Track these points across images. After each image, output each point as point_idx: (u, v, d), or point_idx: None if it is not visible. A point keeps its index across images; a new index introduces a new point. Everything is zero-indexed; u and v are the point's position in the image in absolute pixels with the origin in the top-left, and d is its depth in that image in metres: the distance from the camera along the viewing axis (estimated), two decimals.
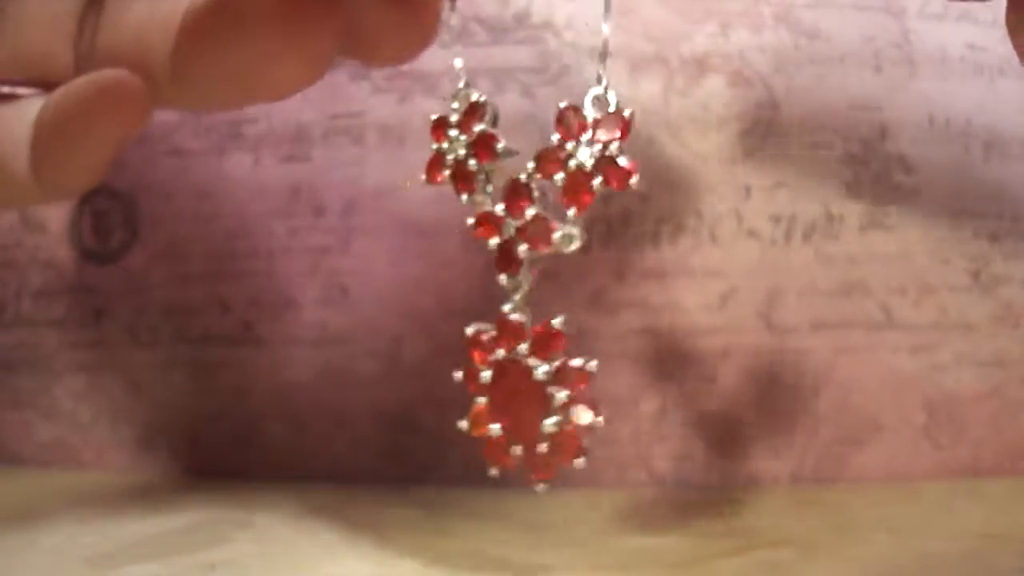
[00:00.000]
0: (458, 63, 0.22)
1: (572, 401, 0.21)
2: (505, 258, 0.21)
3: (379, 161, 0.29)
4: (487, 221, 0.21)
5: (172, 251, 0.31)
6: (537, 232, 0.21)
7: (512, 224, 0.21)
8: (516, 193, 0.21)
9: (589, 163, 0.20)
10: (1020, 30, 0.19)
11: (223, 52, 0.21)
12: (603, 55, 0.21)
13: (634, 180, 0.20)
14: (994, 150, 0.29)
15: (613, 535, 0.25)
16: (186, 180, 0.31)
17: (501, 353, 0.21)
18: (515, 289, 0.21)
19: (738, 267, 0.28)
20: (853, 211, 0.29)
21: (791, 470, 0.29)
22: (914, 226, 0.29)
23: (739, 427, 0.29)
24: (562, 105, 0.21)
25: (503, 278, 0.21)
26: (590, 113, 0.21)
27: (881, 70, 0.29)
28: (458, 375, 0.22)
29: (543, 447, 0.21)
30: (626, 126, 0.20)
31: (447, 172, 0.22)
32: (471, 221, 0.21)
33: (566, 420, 0.21)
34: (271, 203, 0.30)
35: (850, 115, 0.29)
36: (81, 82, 0.21)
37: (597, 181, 0.20)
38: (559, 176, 0.20)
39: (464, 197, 0.21)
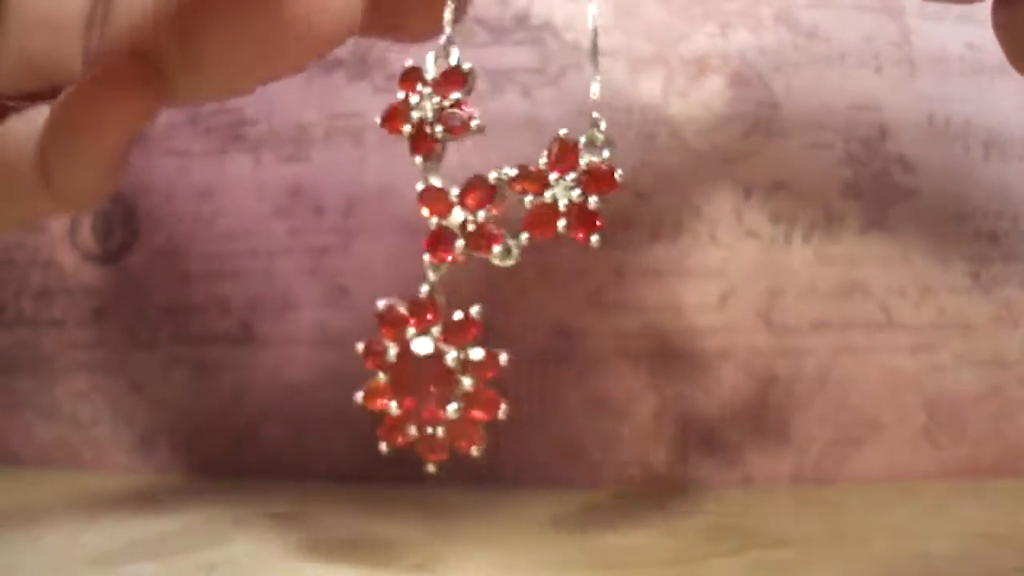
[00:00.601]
0: (448, 14, 0.21)
1: (477, 391, 0.20)
2: (436, 241, 0.21)
3: (379, 161, 0.29)
4: (432, 198, 0.21)
5: (172, 251, 0.31)
6: (481, 234, 0.20)
7: (463, 214, 0.21)
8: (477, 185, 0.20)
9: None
10: (1009, 26, 0.19)
11: (232, 23, 0.20)
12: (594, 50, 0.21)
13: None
14: (994, 150, 0.29)
15: (612, 535, 0.25)
16: (186, 180, 0.31)
17: (411, 332, 0.21)
18: (435, 270, 0.21)
19: (738, 267, 0.28)
20: (853, 211, 0.29)
21: (791, 470, 0.29)
22: (914, 226, 0.29)
23: (738, 427, 0.29)
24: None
25: (426, 258, 0.21)
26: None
27: (881, 70, 0.29)
28: (359, 346, 0.21)
29: (439, 431, 0.21)
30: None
31: (407, 128, 0.21)
32: (419, 188, 0.21)
33: (468, 408, 0.20)
34: (271, 203, 0.30)
35: (850, 115, 0.29)
36: (89, 76, 0.21)
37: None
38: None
39: (418, 160, 0.21)
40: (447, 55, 0.21)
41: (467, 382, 0.20)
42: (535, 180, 0.20)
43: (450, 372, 0.21)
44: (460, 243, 0.20)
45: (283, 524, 0.25)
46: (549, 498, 0.28)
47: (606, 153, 0.20)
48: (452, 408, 0.21)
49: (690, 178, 0.29)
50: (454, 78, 0.21)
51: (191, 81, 0.21)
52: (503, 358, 0.20)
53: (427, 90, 0.21)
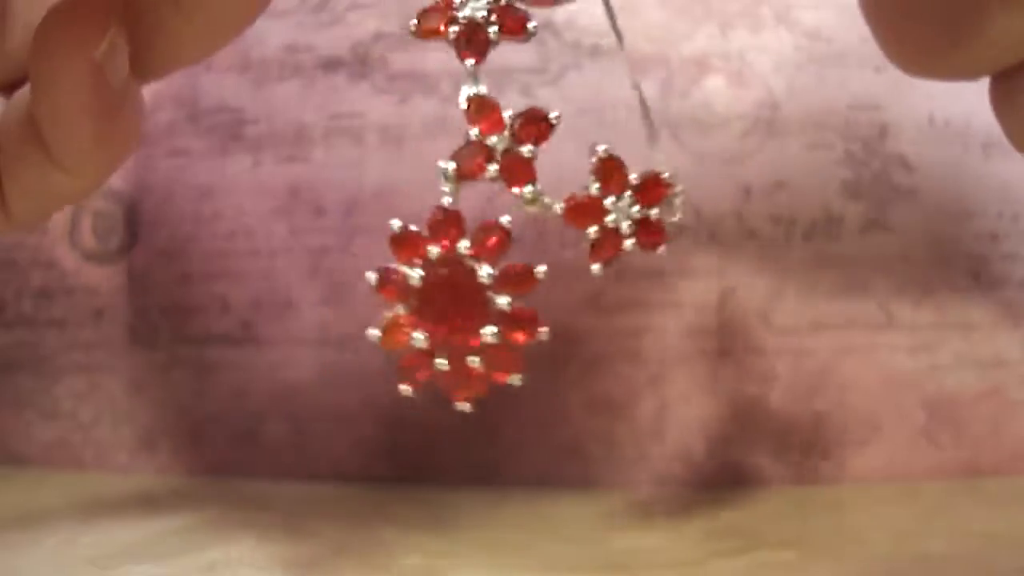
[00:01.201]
0: None
1: (515, 310, 0.18)
2: (472, 155, 0.19)
3: (379, 161, 0.29)
4: (483, 108, 0.19)
5: (172, 251, 0.31)
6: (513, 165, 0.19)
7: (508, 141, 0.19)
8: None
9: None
10: (1007, 105, 0.19)
11: None
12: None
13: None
14: (994, 150, 0.29)
15: (612, 535, 0.25)
16: (186, 180, 0.31)
17: (435, 251, 0.18)
18: (455, 185, 0.19)
19: (738, 267, 0.28)
20: (853, 211, 0.29)
21: (791, 470, 0.29)
22: (914, 226, 0.29)
23: (739, 427, 0.29)
24: None
25: (450, 167, 0.19)
26: None
27: (881, 70, 0.29)
28: (371, 276, 0.19)
29: (475, 360, 0.19)
30: None
31: (453, 29, 0.19)
32: (466, 96, 0.19)
33: (506, 331, 0.18)
34: (271, 203, 0.30)
35: (850, 115, 0.29)
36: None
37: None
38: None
39: (469, 63, 0.19)
40: None
41: (502, 300, 0.18)
42: (591, 212, 0.19)
43: (483, 290, 0.18)
44: (494, 168, 0.19)
45: (283, 524, 0.25)
46: (549, 498, 0.28)
47: (678, 217, 0.19)
48: (489, 331, 0.18)
49: (690, 178, 0.29)
50: None
51: (185, 19, 0.19)
52: (540, 269, 0.18)
53: None
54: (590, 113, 0.28)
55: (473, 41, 0.19)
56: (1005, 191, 0.29)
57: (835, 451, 0.29)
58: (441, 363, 0.19)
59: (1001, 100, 0.19)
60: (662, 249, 0.19)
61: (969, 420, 0.29)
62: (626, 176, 0.19)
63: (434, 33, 0.19)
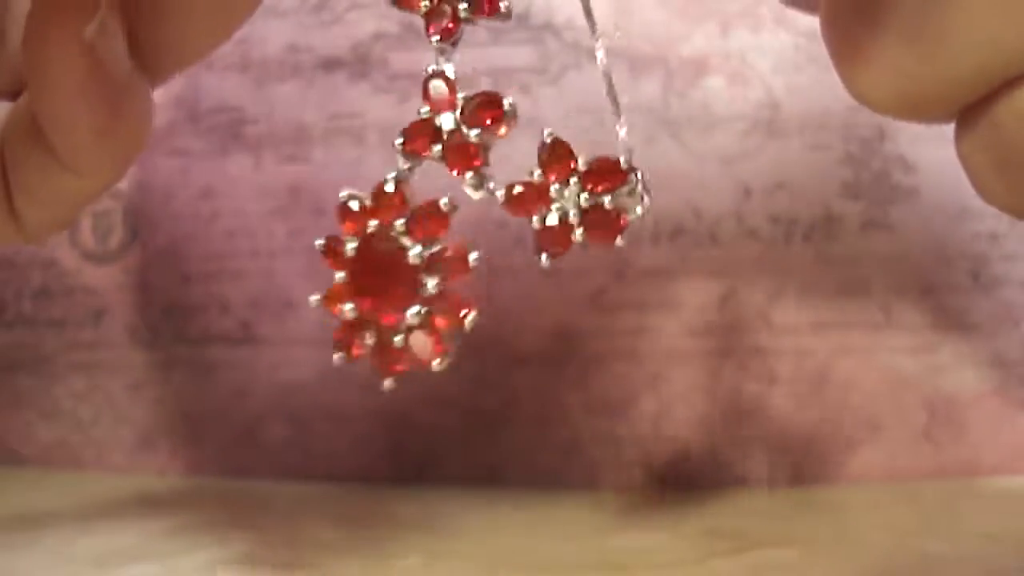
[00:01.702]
0: None
1: (442, 294, 0.18)
2: (417, 132, 0.18)
3: (379, 161, 0.29)
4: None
5: (172, 251, 0.31)
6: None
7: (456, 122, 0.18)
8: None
9: None
10: (969, 154, 0.19)
11: None
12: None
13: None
14: None
15: (612, 535, 0.25)
16: (186, 180, 0.31)
17: (374, 225, 0.18)
18: (408, 161, 0.18)
19: (738, 267, 0.28)
20: (853, 211, 0.29)
21: (791, 470, 0.29)
22: (914, 226, 0.29)
23: (739, 427, 0.29)
24: None
25: (398, 143, 0.18)
26: None
27: None
28: (319, 243, 0.19)
29: (398, 340, 0.18)
30: None
31: (425, 3, 0.18)
32: (428, 72, 0.18)
33: (432, 312, 0.18)
34: (271, 203, 0.30)
35: (850, 115, 0.29)
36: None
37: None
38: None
39: (434, 40, 0.18)
40: None
41: (431, 283, 0.18)
42: (534, 199, 0.18)
43: (413, 270, 0.18)
44: (437, 148, 0.18)
45: (283, 524, 0.25)
46: (549, 498, 0.28)
47: (639, 210, 0.18)
48: (412, 312, 0.18)
49: (690, 178, 0.29)
50: None
51: (162, 24, 0.19)
52: (473, 256, 0.18)
53: None
54: (590, 113, 0.28)
55: (439, 16, 0.18)
56: None
57: (835, 451, 0.29)
58: (368, 338, 0.19)
59: (957, 142, 0.19)
60: (619, 241, 0.18)
61: (969, 420, 0.29)
62: (573, 161, 0.18)
63: (409, 5, 0.18)
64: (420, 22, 0.19)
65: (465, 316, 0.18)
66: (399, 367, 0.19)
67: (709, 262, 0.28)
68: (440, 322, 0.18)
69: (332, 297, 0.19)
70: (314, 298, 0.19)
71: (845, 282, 0.29)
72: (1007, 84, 0.17)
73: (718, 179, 0.29)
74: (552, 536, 0.25)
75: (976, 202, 0.30)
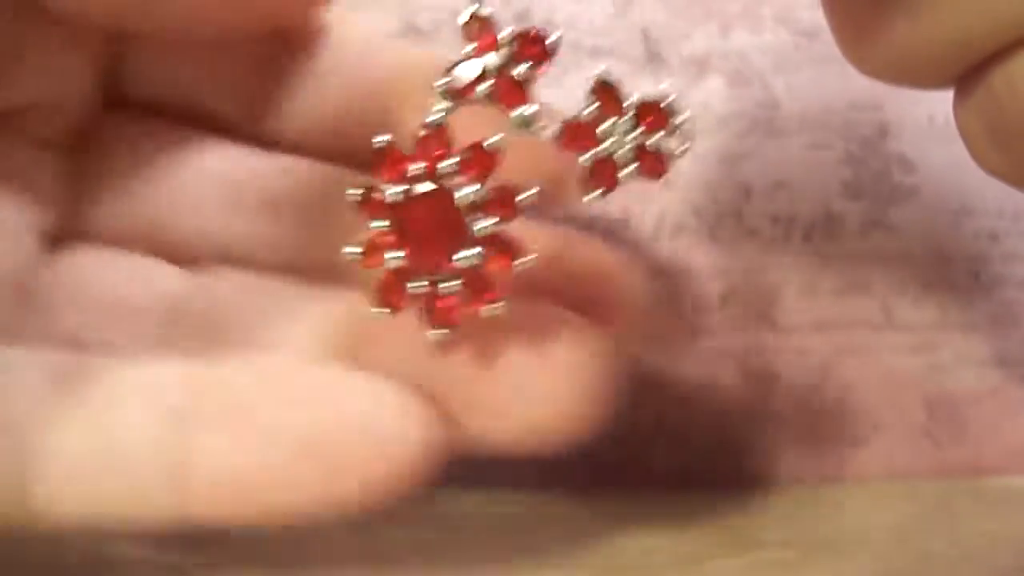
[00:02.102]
0: None
1: (493, 236, 0.17)
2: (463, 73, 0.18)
3: None
4: (480, 28, 0.18)
5: None
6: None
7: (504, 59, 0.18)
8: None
9: None
10: (965, 122, 0.19)
11: None
12: None
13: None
14: None
15: (612, 535, 0.25)
16: None
17: (420, 168, 0.17)
18: (447, 103, 0.17)
19: (738, 267, 0.28)
20: (853, 211, 0.29)
21: (791, 470, 0.29)
22: (914, 226, 0.29)
23: (739, 427, 0.29)
24: None
25: (440, 84, 0.17)
26: None
27: None
28: (353, 194, 0.18)
29: (451, 285, 0.17)
30: None
31: None
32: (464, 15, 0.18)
33: (487, 255, 0.17)
34: None
35: (850, 115, 0.29)
36: None
37: None
38: None
39: None
40: None
41: (483, 225, 0.17)
42: (587, 135, 0.18)
43: (461, 213, 0.17)
44: (485, 87, 0.18)
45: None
46: (550, 498, 0.28)
47: (683, 149, 0.18)
48: (465, 255, 0.17)
49: (690, 178, 0.29)
50: None
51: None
52: (528, 194, 0.17)
53: None
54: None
55: None
56: (1005, 191, 0.29)
57: (835, 450, 0.29)
58: (415, 286, 0.18)
59: (955, 111, 0.19)
60: (664, 180, 0.18)
61: (969, 420, 0.29)
62: (623, 99, 0.18)
63: None
64: None
65: (524, 258, 0.17)
66: (453, 320, 0.18)
67: (709, 262, 0.28)
68: (492, 265, 0.17)
69: (372, 248, 0.18)
70: (350, 249, 0.18)
71: (845, 282, 0.29)
72: (1000, 52, 0.17)
73: (718, 179, 0.29)
74: (552, 536, 0.25)
75: (976, 202, 0.30)
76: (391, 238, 0.18)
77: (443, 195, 0.17)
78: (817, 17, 0.29)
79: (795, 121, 0.29)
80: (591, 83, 0.18)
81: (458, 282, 0.18)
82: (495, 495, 0.28)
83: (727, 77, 0.29)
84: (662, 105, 0.18)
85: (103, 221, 0.21)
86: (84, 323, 0.20)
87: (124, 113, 0.22)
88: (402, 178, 0.17)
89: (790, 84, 0.29)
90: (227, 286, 0.21)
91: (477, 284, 0.18)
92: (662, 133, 0.18)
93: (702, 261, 0.28)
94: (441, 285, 0.18)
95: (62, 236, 0.21)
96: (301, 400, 0.18)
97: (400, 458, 0.17)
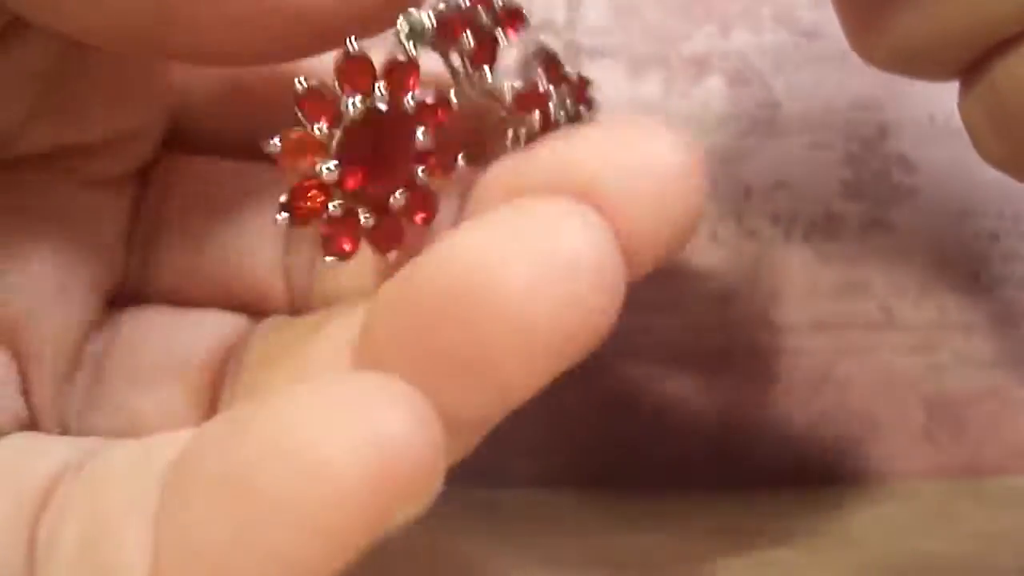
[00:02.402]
0: None
1: (434, 145, 0.17)
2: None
3: None
4: None
5: None
6: None
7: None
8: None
9: None
10: (969, 114, 0.19)
11: None
12: None
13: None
14: None
15: (611, 534, 0.25)
16: None
17: (351, 102, 0.16)
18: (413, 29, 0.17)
19: (738, 267, 0.28)
20: (853, 211, 0.29)
21: (791, 470, 0.29)
22: (914, 226, 0.29)
23: (738, 427, 0.29)
24: None
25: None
26: None
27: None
28: (274, 142, 0.16)
29: (399, 200, 0.17)
30: None
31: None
32: None
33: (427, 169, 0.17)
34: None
35: (850, 115, 0.29)
36: None
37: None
38: None
39: None
40: None
41: (421, 132, 0.17)
42: (537, 100, 0.19)
43: (411, 121, 0.17)
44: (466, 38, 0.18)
45: None
46: (550, 498, 0.28)
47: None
48: (422, 169, 0.17)
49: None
50: None
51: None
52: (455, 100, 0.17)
53: None
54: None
55: None
56: (1005, 191, 0.29)
57: (835, 451, 0.29)
58: (367, 218, 0.17)
59: (959, 102, 0.19)
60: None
61: (969, 420, 0.29)
62: (560, 67, 0.19)
63: None
64: None
65: (460, 155, 0.17)
66: (401, 237, 0.17)
67: (709, 262, 0.28)
68: (437, 172, 0.17)
69: (297, 146, 0.16)
70: (274, 142, 0.16)
71: (845, 282, 0.29)
72: (1002, 45, 0.17)
73: (718, 179, 0.29)
74: (552, 536, 0.25)
75: (977, 202, 0.30)
76: (327, 184, 0.16)
77: (379, 118, 0.17)
78: (817, 17, 0.30)
79: (795, 121, 0.29)
80: (534, 52, 0.19)
81: (404, 197, 0.17)
82: (495, 494, 0.28)
83: (727, 77, 0.29)
84: (583, 79, 0.20)
85: (166, 269, 0.20)
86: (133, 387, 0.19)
87: (179, 148, 0.21)
88: (335, 113, 0.16)
89: (790, 84, 0.29)
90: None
91: (419, 200, 0.17)
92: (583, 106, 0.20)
93: (702, 261, 0.28)
94: (392, 199, 0.17)
95: (125, 292, 0.20)
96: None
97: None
